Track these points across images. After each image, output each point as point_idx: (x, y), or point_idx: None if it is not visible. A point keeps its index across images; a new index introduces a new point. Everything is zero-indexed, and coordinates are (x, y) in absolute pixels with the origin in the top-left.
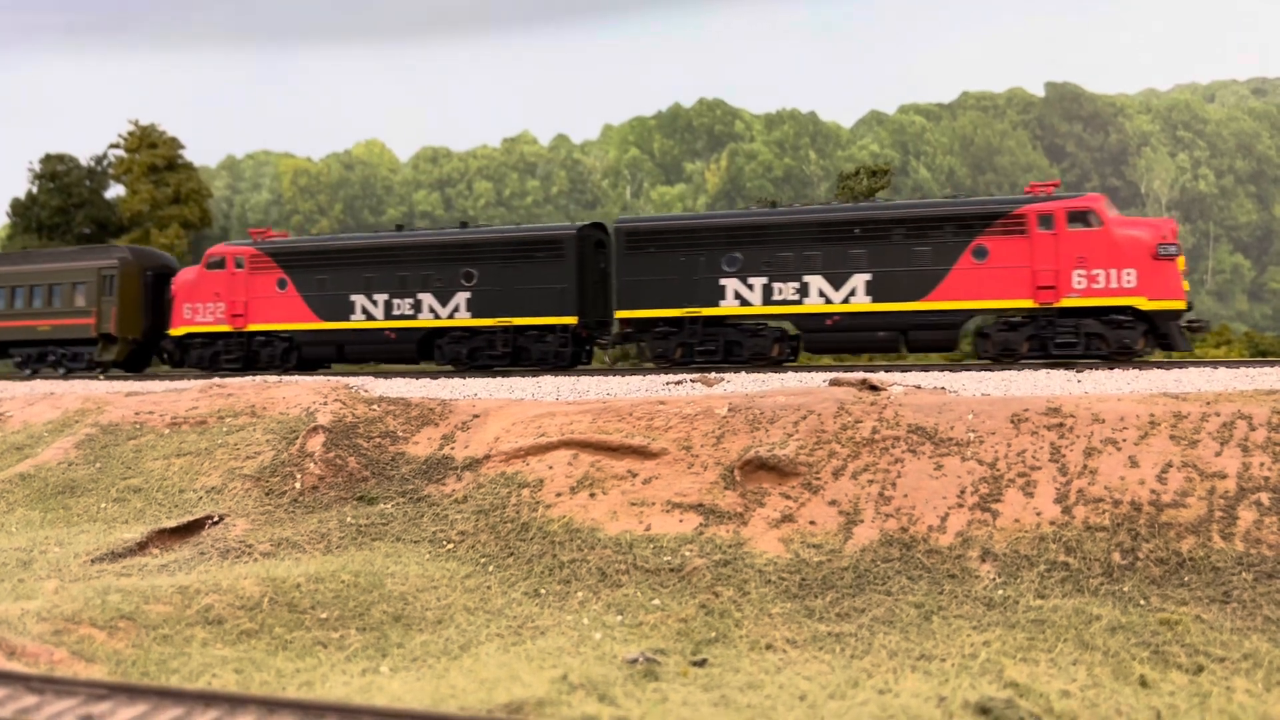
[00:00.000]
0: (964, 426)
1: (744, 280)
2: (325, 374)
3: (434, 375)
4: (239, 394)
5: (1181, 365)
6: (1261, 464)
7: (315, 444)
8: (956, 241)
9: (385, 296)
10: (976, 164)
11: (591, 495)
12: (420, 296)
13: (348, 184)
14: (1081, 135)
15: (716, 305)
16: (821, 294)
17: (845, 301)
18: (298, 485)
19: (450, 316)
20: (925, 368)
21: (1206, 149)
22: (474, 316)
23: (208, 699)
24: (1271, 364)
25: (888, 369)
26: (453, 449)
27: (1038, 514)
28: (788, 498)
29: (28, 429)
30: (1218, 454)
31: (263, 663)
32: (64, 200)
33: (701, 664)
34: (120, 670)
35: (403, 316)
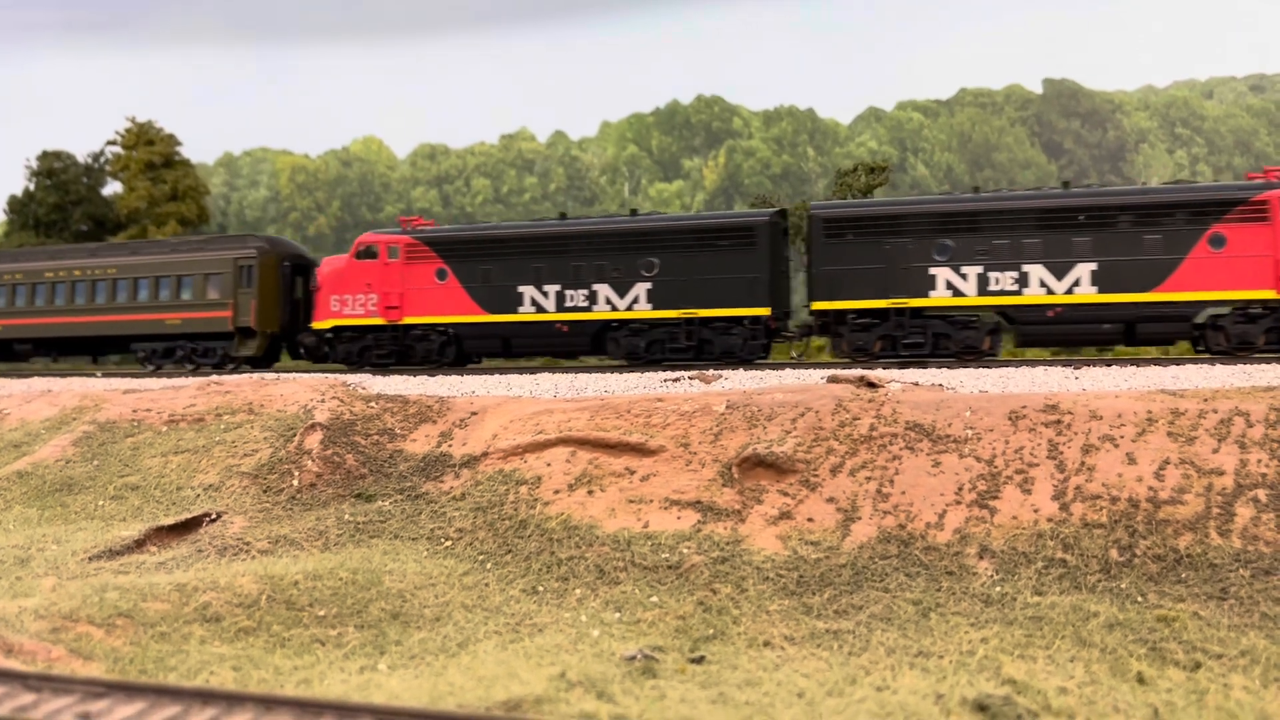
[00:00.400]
0: (962, 423)
1: (956, 269)
2: (321, 372)
3: (431, 372)
4: (236, 391)
5: (1179, 362)
6: (1259, 461)
7: (313, 441)
8: (1191, 229)
9: (557, 287)
10: (974, 160)
11: (589, 492)
12: (596, 287)
13: (345, 181)
14: (1079, 132)
15: (926, 295)
16: (1043, 284)
17: (1069, 292)
18: (295, 483)
19: (629, 308)
20: (923, 365)
21: (1204, 146)
22: (654, 308)
23: (205, 697)
24: (1269, 361)
25: (885, 366)
26: (451, 446)
27: (1035, 511)
28: (785, 495)
29: (25, 426)
30: (1215, 451)
31: (260, 660)
32: (61, 197)
33: (699, 661)
34: (118, 668)
35: (576, 308)
